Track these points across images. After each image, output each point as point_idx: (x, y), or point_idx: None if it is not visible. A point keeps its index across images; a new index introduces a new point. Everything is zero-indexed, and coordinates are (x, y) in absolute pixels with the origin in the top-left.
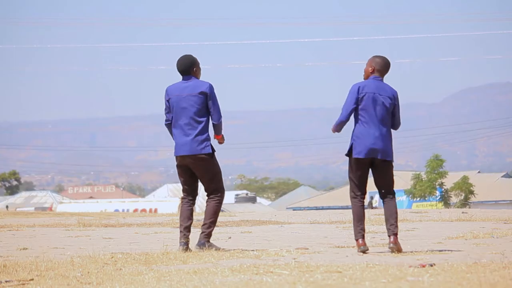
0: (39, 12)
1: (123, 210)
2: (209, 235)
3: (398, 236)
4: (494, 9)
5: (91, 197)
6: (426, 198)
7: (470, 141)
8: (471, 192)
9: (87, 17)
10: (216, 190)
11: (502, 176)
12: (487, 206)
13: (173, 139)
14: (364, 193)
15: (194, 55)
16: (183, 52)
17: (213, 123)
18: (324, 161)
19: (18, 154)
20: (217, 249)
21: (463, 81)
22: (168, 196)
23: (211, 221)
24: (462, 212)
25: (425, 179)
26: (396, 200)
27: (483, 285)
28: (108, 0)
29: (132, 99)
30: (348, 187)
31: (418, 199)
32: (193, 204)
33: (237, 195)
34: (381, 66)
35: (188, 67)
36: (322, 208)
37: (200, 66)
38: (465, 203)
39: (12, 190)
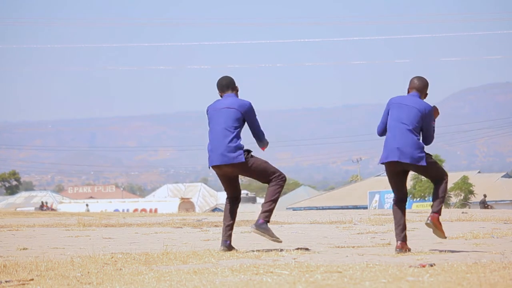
0: (39, 12)
1: (123, 210)
2: (269, 213)
3: (437, 215)
4: (494, 9)
5: (91, 197)
6: (426, 198)
7: (470, 141)
8: (471, 192)
9: (87, 17)
10: (271, 176)
11: (502, 176)
12: None
13: (207, 149)
14: (397, 196)
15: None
16: (182, 52)
17: (258, 142)
18: (324, 161)
19: (18, 154)
20: (273, 236)
21: (463, 81)
22: (168, 196)
23: (272, 199)
24: (462, 212)
25: (425, 179)
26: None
27: (483, 285)
28: (108, 0)
29: (131, 99)
30: (347, 187)
31: (418, 199)
32: (237, 204)
33: None
34: (415, 85)
35: (232, 84)
36: (322, 208)
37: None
38: (465, 203)
39: (12, 190)
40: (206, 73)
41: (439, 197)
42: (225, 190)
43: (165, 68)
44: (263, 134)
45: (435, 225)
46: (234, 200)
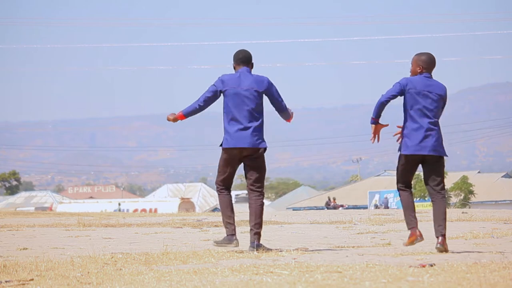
0: (39, 12)
1: (123, 210)
2: (260, 235)
3: (446, 236)
4: (493, 9)
5: (91, 197)
6: (426, 198)
7: (470, 141)
8: (471, 192)
9: (87, 17)
10: (260, 187)
11: (502, 176)
12: (487, 206)
13: (228, 130)
14: (408, 185)
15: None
16: (182, 52)
17: (281, 111)
18: (324, 161)
19: (18, 154)
20: (268, 250)
21: (463, 81)
22: (168, 196)
23: (260, 220)
24: (462, 212)
25: None
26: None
27: (483, 285)
28: (108, 0)
29: (132, 99)
30: (347, 187)
31: (418, 199)
32: (230, 194)
33: (237, 195)
34: (428, 64)
35: (250, 59)
36: (322, 208)
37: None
38: (465, 203)
39: (12, 190)
40: (206, 73)
41: (444, 217)
42: (226, 177)
43: (165, 68)
44: (285, 106)
45: (445, 248)
46: (229, 190)
